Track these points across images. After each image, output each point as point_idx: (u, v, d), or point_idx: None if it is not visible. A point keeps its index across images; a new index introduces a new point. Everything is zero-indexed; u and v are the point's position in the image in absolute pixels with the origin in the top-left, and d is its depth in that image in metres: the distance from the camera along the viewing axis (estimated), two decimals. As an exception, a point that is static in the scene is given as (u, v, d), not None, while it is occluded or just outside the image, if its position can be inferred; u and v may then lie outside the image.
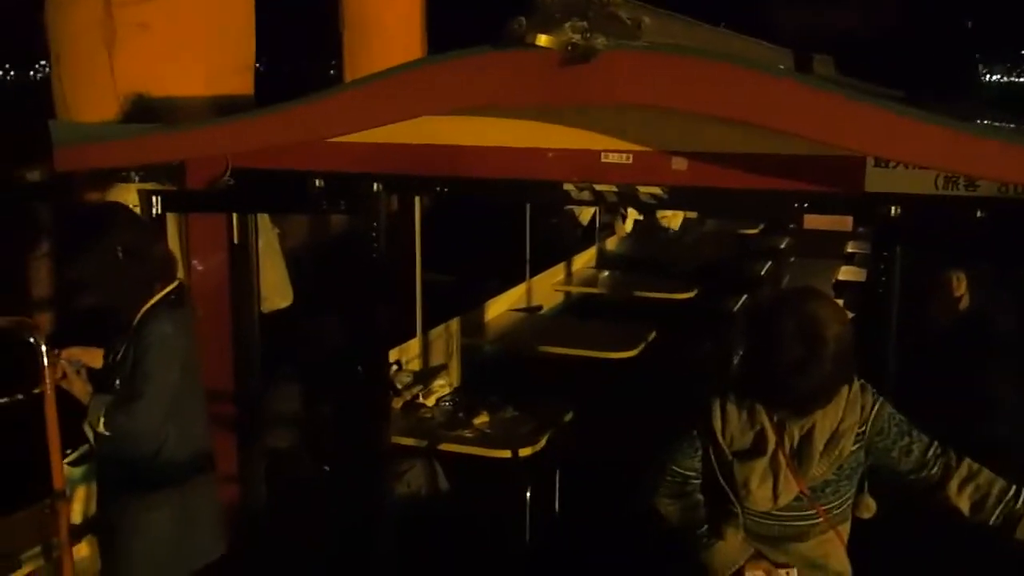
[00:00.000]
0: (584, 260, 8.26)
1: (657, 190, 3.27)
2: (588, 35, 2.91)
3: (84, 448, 3.42)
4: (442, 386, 5.16)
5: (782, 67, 4.87)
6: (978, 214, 2.96)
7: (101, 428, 3.08)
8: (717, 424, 2.64)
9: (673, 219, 8.82)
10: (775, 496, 2.58)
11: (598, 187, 3.30)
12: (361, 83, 3.53)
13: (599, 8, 2.90)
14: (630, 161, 3.24)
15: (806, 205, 3.17)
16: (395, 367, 5.18)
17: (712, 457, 2.68)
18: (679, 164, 3.20)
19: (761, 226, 9.65)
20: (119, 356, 3.17)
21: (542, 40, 2.92)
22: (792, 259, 9.69)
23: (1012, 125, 5.84)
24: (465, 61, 3.11)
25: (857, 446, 2.60)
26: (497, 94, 3.11)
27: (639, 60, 2.94)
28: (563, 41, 2.93)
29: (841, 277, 7.56)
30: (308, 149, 3.52)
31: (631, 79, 2.96)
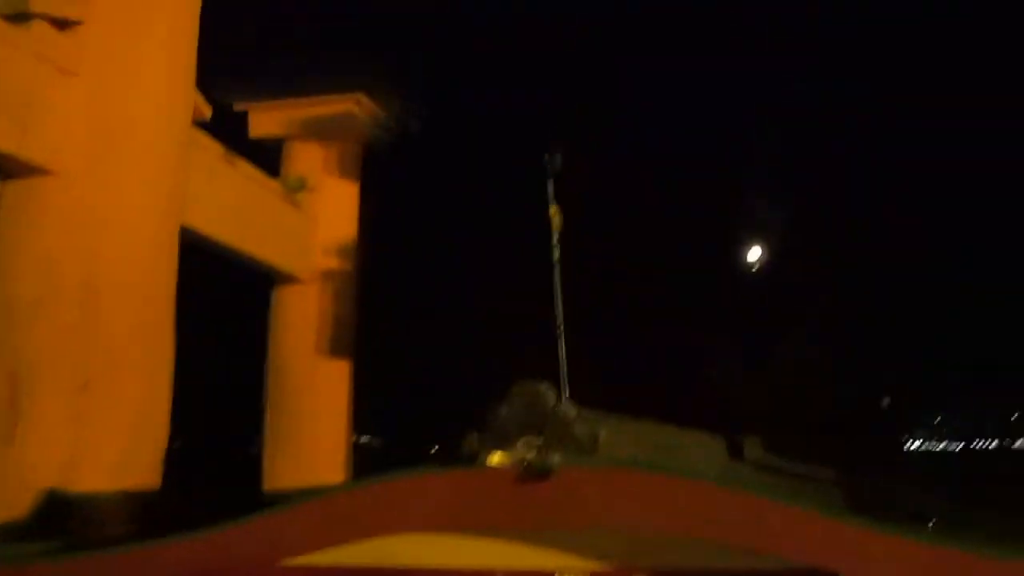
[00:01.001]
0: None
1: None
2: (543, 452, 2.75)
3: None
4: None
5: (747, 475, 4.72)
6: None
7: None
8: None
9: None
10: None
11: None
12: (295, 504, 3.21)
13: (554, 424, 2.76)
14: (587, 582, 2.95)
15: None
16: None
17: None
18: None
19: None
20: None
21: (495, 459, 2.75)
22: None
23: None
24: (412, 481, 2.89)
25: None
26: (447, 518, 2.86)
27: (598, 477, 2.76)
28: (517, 459, 2.76)
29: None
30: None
31: (590, 498, 2.76)
